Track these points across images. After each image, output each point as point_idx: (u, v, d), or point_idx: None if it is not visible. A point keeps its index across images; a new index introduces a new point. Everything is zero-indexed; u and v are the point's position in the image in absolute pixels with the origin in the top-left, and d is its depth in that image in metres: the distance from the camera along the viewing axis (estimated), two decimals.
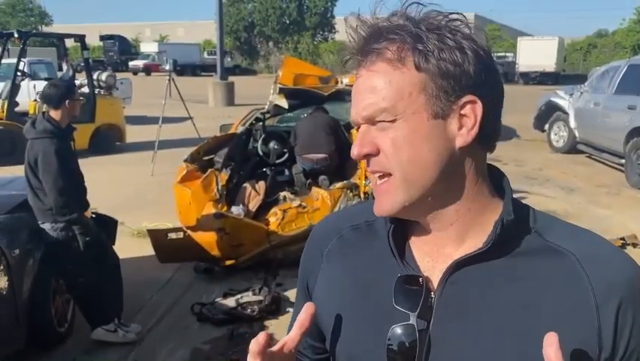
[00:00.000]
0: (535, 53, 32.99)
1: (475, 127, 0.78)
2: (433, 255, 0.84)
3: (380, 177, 0.81)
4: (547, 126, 11.51)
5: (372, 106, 0.78)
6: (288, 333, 0.80)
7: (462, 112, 0.78)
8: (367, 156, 0.80)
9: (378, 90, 0.77)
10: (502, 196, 0.83)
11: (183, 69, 37.20)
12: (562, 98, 11.08)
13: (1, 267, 3.14)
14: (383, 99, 0.77)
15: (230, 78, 21.72)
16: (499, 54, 39.30)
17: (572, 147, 10.69)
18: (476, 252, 0.78)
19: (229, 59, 40.31)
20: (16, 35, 10.74)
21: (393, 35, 0.77)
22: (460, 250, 0.81)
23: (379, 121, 0.78)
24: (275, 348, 0.76)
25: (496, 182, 0.85)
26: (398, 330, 0.78)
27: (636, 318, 0.75)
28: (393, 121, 0.77)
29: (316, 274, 0.93)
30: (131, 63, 40.80)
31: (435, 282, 0.81)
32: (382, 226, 0.87)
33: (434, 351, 0.78)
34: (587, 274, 0.76)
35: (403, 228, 0.86)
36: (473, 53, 0.77)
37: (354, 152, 0.80)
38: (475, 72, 0.77)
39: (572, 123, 10.56)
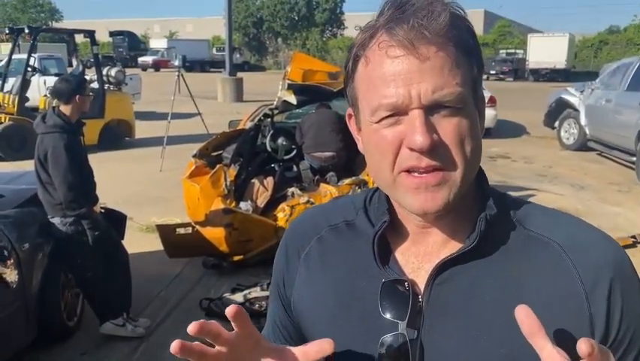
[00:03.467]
0: (546, 50, 32.73)
1: (484, 121, 0.78)
2: (419, 255, 0.79)
3: (424, 172, 0.71)
4: (557, 123, 11.43)
5: (447, 88, 0.69)
6: (263, 330, 0.73)
7: (480, 106, 0.77)
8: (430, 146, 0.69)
9: (451, 72, 0.70)
10: (482, 188, 0.80)
11: (192, 65, 37.20)
12: (572, 95, 11.00)
13: (11, 261, 3.16)
14: (458, 84, 0.70)
15: (239, 74, 21.82)
16: (509, 50, 39.08)
17: (583, 145, 10.61)
18: (461, 250, 0.75)
19: (238, 56, 40.30)
20: (26, 31, 10.87)
21: (455, 11, 0.71)
22: (446, 248, 0.78)
23: (449, 107, 0.70)
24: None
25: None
26: (388, 340, 0.74)
27: (625, 299, 0.73)
28: (459, 109, 0.70)
29: (292, 278, 0.87)
30: (141, 59, 40.84)
31: (422, 284, 0.77)
32: (364, 227, 0.82)
33: (427, 357, 0.74)
34: (572, 262, 0.74)
35: (387, 228, 0.80)
36: None
37: (423, 142, 0.68)
38: None
39: (583, 120, 10.48)
